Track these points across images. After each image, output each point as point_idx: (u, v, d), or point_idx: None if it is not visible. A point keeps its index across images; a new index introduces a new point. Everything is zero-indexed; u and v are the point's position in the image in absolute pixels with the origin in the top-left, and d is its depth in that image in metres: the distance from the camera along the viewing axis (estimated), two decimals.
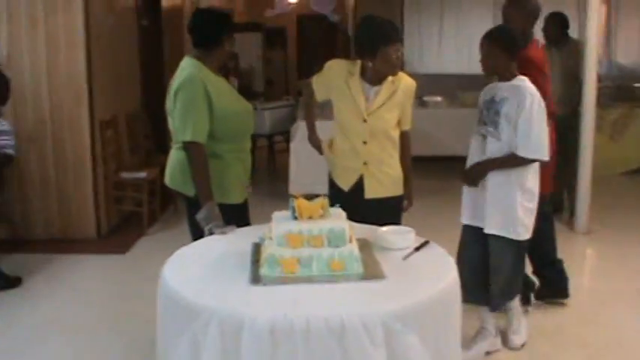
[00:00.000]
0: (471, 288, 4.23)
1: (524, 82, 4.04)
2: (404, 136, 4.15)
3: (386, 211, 3.91)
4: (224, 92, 3.96)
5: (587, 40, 6.68)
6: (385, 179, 4.07)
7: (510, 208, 4.03)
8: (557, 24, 7.18)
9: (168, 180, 4.07)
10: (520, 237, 4.08)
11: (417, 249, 3.21)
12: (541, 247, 4.81)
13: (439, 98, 9.39)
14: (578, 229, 6.86)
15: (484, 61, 4.08)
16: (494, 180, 4.05)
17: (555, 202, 6.94)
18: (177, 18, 9.84)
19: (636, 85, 10.44)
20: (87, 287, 5.59)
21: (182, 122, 3.79)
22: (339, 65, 4.10)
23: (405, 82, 4.03)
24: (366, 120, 3.95)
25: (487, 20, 11.12)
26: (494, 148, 4.04)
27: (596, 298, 5.39)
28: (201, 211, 3.71)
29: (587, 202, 6.81)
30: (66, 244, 6.50)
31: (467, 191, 4.25)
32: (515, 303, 4.41)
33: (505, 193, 4.04)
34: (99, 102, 6.72)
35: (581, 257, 6.58)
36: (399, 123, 4.07)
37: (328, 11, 3.99)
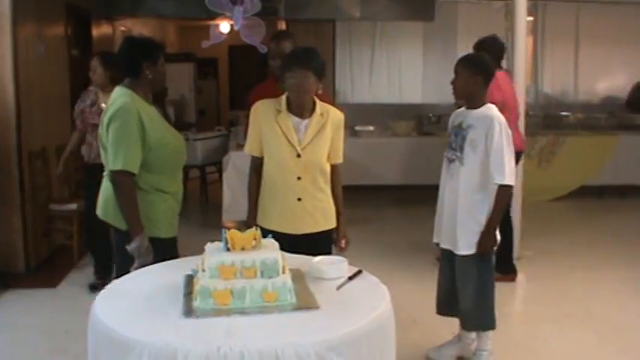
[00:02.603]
0: (446, 302, 4.43)
1: (492, 110, 4.17)
2: (335, 170, 4.08)
3: (318, 245, 3.81)
4: (157, 122, 3.94)
5: (515, 69, 6.83)
6: (317, 214, 4.02)
7: (479, 227, 4.19)
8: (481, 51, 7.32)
9: (100, 212, 3.99)
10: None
11: (351, 278, 3.22)
12: None
13: (371, 128, 9.47)
14: None
15: (459, 85, 4.18)
16: (464, 209, 4.19)
17: None
18: (108, 48, 9.76)
19: (562, 113, 10.72)
20: (15, 323, 5.45)
21: (114, 151, 3.74)
22: (264, 105, 4.01)
23: (333, 115, 4.00)
24: (299, 155, 3.90)
25: (418, 50, 11.36)
26: (459, 172, 4.20)
27: (526, 322, 5.51)
28: (132, 242, 3.69)
29: (518, 228, 6.92)
30: None
31: (438, 213, 4.41)
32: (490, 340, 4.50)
33: (475, 220, 4.20)
34: (28, 132, 6.60)
35: (512, 282, 6.67)
36: (328, 157, 4.01)
37: (258, 42, 4.03)
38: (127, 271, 3.52)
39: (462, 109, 4.36)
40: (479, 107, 4.21)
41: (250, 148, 4.05)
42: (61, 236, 7.21)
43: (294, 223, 3.99)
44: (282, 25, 11.35)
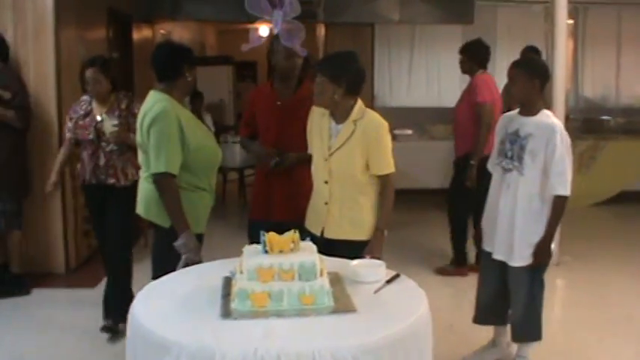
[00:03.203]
0: (488, 312, 4.36)
1: (551, 117, 4.07)
2: (383, 183, 3.93)
3: (344, 255, 3.61)
4: (194, 125, 4.07)
5: (555, 73, 6.77)
6: (344, 222, 3.94)
7: (537, 237, 4.13)
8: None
9: (142, 211, 4.13)
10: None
11: (388, 282, 3.22)
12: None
13: (409, 131, 9.45)
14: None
15: (517, 91, 4.07)
16: (522, 220, 4.09)
17: None
18: (148, 51, 9.84)
19: (603, 118, 10.60)
20: (55, 322, 5.51)
21: (156, 154, 3.87)
22: (315, 110, 4.06)
23: (367, 123, 3.89)
24: (327, 159, 3.92)
25: (456, 54, 11.27)
26: (517, 182, 4.07)
27: (566, 329, 5.43)
28: (179, 239, 3.80)
29: (557, 234, 6.83)
30: (34, 278, 6.40)
31: (486, 221, 4.32)
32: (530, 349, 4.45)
33: (534, 231, 4.11)
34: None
35: (551, 288, 6.57)
36: (368, 167, 3.91)
37: (298, 46, 4.04)
38: (165, 271, 3.56)
39: (513, 113, 4.24)
40: (535, 113, 4.09)
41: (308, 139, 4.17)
42: None
43: (318, 225, 4.03)
44: (320, 29, 11.37)
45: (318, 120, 4.02)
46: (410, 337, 2.75)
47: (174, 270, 3.65)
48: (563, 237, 6.94)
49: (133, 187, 4.46)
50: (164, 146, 3.86)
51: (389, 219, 3.97)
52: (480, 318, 4.53)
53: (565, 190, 4.01)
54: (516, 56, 7.42)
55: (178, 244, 3.80)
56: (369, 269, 3.30)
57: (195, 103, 7.81)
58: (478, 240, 4.55)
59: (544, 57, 7.81)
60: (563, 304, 6.30)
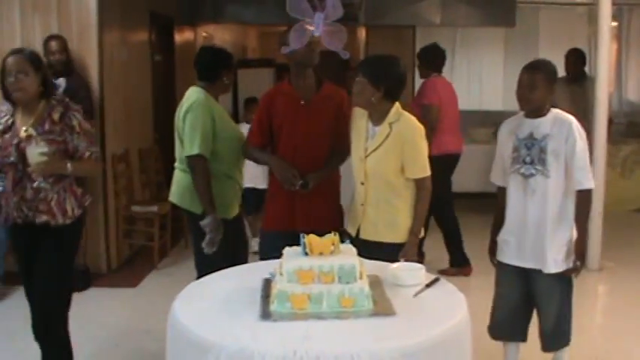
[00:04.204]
0: (507, 326, 4.23)
1: (564, 114, 4.01)
2: (418, 186, 3.94)
3: (380, 257, 3.59)
4: (225, 119, 4.56)
5: (598, 76, 6.70)
6: (380, 223, 3.95)
7: (569, 244, 4.02)
8: (577, 60, 7.25)
9: (177, 199, 4.55)
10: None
11: (428, 285, 3.21)
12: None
13: None
14: (590, 265, 6.79)
15: (540, 97, 3.96)
16: (553, 222, 3.99)
17: None
18: (190, 53, 9.92)
19: None
20: (96, 321, 5.57)
21: (190, 138, 4.29)
22: (356, 111, 4.07)
23: (403, 126, 3.90)
24: (362, 160, 3.94)
25: (498, 56, 11.23)
26: (546, 185, 3.97)
27: (608, 336, 5.36)
28: (205, 218, 4.23)
29: (599, 239, 6.78)
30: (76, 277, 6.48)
31: (511, 231, 4.12)
32: (567, 354, 4.35)
33: (563, 231, 4.02)
34: (111, 135, 6.76)
35: (592, 294, 6.53)
36: (403, 170, 3.90)
37: (340, 48, 4.03)
38: (204, 257, 4.22)
39: (517, 117, 4.15)
40: (546, 114, 4.05)
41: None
42: (142, 237, 7.36)
43: (354, 226, 4.05)
44: (361, 32, 11.37)
45: (357, 120, 4.04)
46: (449, 341, 2.74)
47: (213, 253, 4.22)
48: (605, 242, 6.86)
49: (74, 225, 4.01)
50: (198, 131, 4.27)
51: (423, 222, 4.00)
52: (498, 333, 4.33)
53: (590, 183, 3.94)
54: (560, 59, 7.39)
55: (204, 223, 4.22)
56: (409, 272, 3.29)
57: (250, 107, 7.87)
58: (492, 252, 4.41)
59: (588, 59, 7.72)
60: (605, 312, 6.22)
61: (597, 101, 6.66)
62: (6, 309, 5.79)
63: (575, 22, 10.76)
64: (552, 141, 3.92)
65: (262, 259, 4.13)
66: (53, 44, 6.14)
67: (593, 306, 6.19)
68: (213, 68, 4.51)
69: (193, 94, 4.43)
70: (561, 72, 7.27)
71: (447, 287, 3.23)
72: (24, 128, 3.81)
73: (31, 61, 3.80)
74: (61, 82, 6.07)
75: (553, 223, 3.97)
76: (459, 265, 6.61)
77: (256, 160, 4.52)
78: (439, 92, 6.63)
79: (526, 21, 10.75)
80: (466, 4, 10.23)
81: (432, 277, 3.30)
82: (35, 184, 3.81)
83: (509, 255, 4.15)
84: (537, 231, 3.99)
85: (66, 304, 4.11)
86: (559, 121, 3.95)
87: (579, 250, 4.02)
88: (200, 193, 4.28)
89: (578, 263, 4.00)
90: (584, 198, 3.98)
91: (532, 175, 3.98)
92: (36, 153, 3.69)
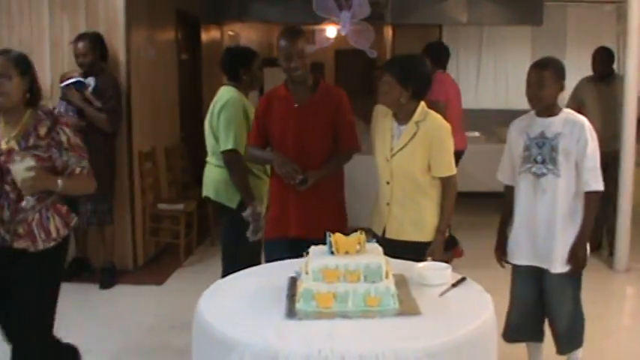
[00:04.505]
0: (523, 327, 4.20)
1: (576, 115, 3.99)
2: (443, 184, 3.96)
3: (406, 256, 3.59)
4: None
5: (627, 75, 6.64)
6: (406, 222, 3.96)
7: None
8: (605, 59, 7.18)
9: (212, 194, 4.84)
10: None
11: (454, 285, 3.19)
12: None
13: (477, 133, 9.35)
14: (618, 266, 6.75)
15: (549, 95, 3.93)
16: (562, 222, 3.97)
17: (594, 240, 6.87)
18: (216, 52, 9.95)
19: None
20: (122, 317, 5.61)
21: (225, 134, 4.56)
22: (378, 110, 4.09)
23: (429, 125, 3.91)
24: (388, 160, 3.94)
25: (525, 55, 11.12)
26: (556, 185, 3.94)
27: (636, 337, 5.31)
28: (247, 209, 4.51)
29: (627, 239, 6.71)
30: (102, 273, 6.52)
31: (522, 231, 4.10)
32: (580, 354, 4.31)
33: (572, 231, 3.99)
34: (138, 133, 6.79)
35: (620, 296, 6.48)
36: (429, 169, 3.92)
37: (367, 47, 4.02)
38: (235, 246, 4.54)
39: (528, 116, 4.12)
40: (557, 113, 4.00)
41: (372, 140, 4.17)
42: (167, 235, 7.39)
43: (380, 225, 4.06)
44: (388, 31, 11.34)
45: (381, 120, 4.04)
46: (474, 341, 2.72)
47: (242, 244, 4.49)
48: (634, 243, 6.80)
49: (58, 248, 3.60)
50: (232, 127, 4.54)
51: (449, 221, 4.02)
52: (513, 335, 4.27)
53: (599, 185, 3.91)
54: (587, 58, 7.32)
55: (246, 214, 4.49)
56: (435, 272, 3.28)
57: None
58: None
59: (616, 58, 7.64)
60: (633, 313, 6.16)
61: (626, 100, 6.60)
62: None
63: (604, 20, 10.66)
64: (564, 140, 3.89)
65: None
66: (80, 46, 6.14)
67: (621, 307, 6.13)
68: (232, 68, 4.85)
69: (226, 93, 4.73)
70: (589, 71, 7.26)
71: (474, 287, 3.22)
72: (5, 140, 3.43)
73: (17, 64, 3.43)
74: (90, 81, 6.12)
75: (562, 222, 3.95)
76: (447, 249, 6.52)
77: (257, 160, 4.49)
78: (447, 89, 6.71)
79: (553, 19, 10.66)
80: (493, 3, 10.16)
81: (458, 276, 3.28)
82: (24, 204, 3.41)
83: (520, 256, 4.13)
84: (547, 230, 3.97)
85: (50, 336, 3.67)
86: (571, 121, 3.93)
87: (576, 249, 3.98)
88: (238, 185, 4.56)
89: (572, 264, 3.97)
90: (591, 200, 3.96)
91: (544, 174, 3.96)
92: (22, 168, 3.30)
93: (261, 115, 4.30)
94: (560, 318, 4.12)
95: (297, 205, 4.17)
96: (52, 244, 3.52)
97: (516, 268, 4.19)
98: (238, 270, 3.52)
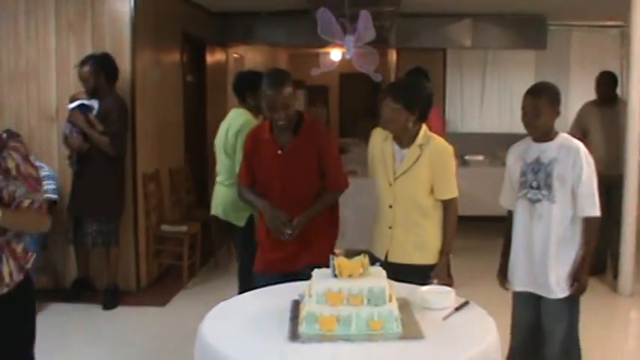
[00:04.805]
0: (525, 352, 4.17)
1: (572, 140, 3.97)
2: (445, 206, 4.00)
3: (410, 279, 3.58)
4: None
5: (630, 99, 6.64)
6: (409, 246, 3.97)
7: (571, 264, 3.96)
8: (609, 83, 7.20)
9: (220, 213, 5.24)
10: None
11: (457, 309, 3.18)
12: None
13: (481, 157, 9.36)
14: (622, 291, 6.72)
15: (545, 122, 3.90)
16: (557, 248, 3.95)
17: (598, 263, 6.85)
18: (221, 75, 9.99)
19: None
20: (124, 339, 5.60)
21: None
22: (377, 134, 4.13)
23: (433, 148, 3.93)
24: (391, 184, 3.96)
25: (529, 79, 11.14)
26: (550, 211, 3.92)
27: None
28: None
29: (632, 263, 6.69)
30: (105, 294, 6.52)
31: (519, 256, 4.09)
32: None
33: (569, 257, 3.97)
34: (142, 155, 6.81)
35: (624, 320, 6.45)
36: (432, 191, 3.95)
37: (371, 71, 4.04)
38: (250, 256, 4.40)
39: (525, 141, 4.09)
40: (553, 138, 3.98)
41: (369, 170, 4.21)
42: (171, 257, 7.38)
43: (382, 249, 4.05)
44: (392, 54, 11.37)
45: (380, 144, 4.06)
46: None
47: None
48: (638, 266, 6.78)
49: (16, 294, 3.04)
50: None
51: (452, 243, 4.02)
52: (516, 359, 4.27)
53: (595, 211, 3.89)
54: (591, 82, 7.35)
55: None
56: (438, 296, 3.27)
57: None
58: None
59: (620, 82, 7.66)
60: (638, 337, 6.13)
61: (629, 124, 6.60)
62: None
63: (607, 44, 10.70)
64: (559, 165, 3.87)
65: None
66: (83, 70, 6.12)
67: (625, 332, 6.10)
68: (239, 91, 5.24)
69: (239, 116, 5.10)
70: (592, 94, 7.27)
71: (477, 311, 3.21)
72: None
73: None
74: (94, 103, 6.14)
75: (557, 248, 3.93)
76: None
77: (248, 204, 4.44)
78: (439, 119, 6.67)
79: (557, 43, 10.70)
80: (497, 26, 10.21)
81: (462, 300, 3.27)
82: None
83: (518, 282, 4.12)
84: (542, 256, 3.95)
85: None
86: (566, 146, 3.90)
87: (579, 275, 3.94)
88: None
89: (575, 286, 3.94)
90: (590, 225, 3.94)
91: (539, 200, 3.94)
92: None
93: (249, 155, 4.25)
94: (552, 343, 4.08)
95: (286, 244, 4.14)
96: (5, 290, 2.98)
97: (516, 293, 4.19)
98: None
